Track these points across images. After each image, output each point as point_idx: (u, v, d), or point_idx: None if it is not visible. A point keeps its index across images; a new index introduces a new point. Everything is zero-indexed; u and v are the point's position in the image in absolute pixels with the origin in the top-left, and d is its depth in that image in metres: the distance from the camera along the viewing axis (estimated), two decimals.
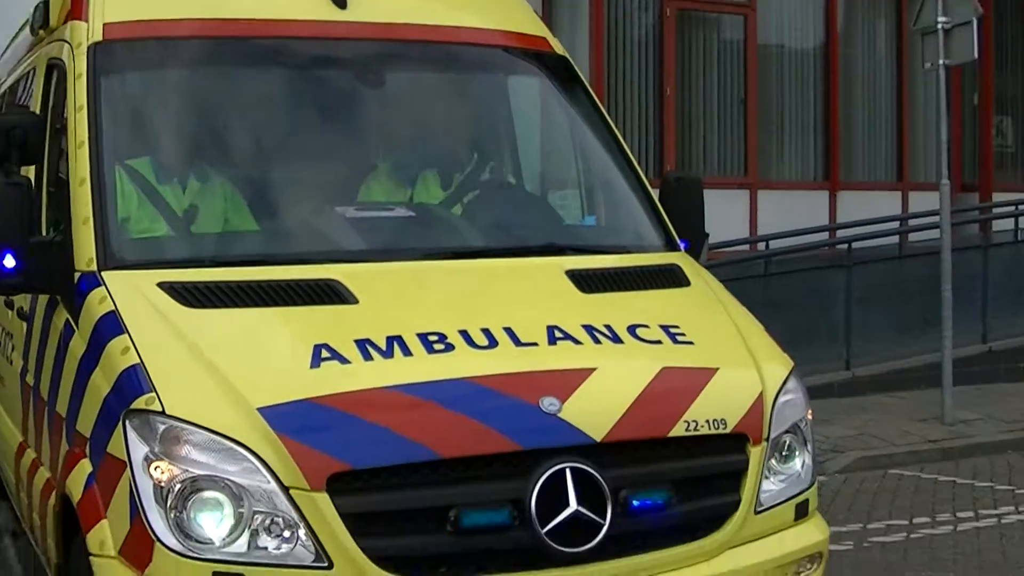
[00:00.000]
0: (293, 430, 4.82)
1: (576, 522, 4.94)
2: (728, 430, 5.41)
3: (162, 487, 4.80)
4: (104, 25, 6.26)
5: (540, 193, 7.54)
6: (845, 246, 16.31)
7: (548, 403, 5.08)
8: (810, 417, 5.87)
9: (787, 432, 5.67)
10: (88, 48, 6.19)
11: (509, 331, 5.38)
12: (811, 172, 19.09)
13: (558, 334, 5.45)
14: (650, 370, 5.47)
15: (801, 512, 5.72)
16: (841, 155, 19.14)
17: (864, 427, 13.43)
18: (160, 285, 5.40)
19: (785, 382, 5.74)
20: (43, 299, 6.21)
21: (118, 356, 5.15)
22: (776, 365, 5.81)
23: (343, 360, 5.12)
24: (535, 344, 5.38)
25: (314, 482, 4.75)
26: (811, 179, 19.02)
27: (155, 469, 4.82)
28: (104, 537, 4.98)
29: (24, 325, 6.74)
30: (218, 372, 5.03)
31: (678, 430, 5.29)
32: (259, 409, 4.86)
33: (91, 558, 5.02)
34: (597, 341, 5.49)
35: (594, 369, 5.33)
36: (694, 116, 18.05)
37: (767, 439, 5.53)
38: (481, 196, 6.93)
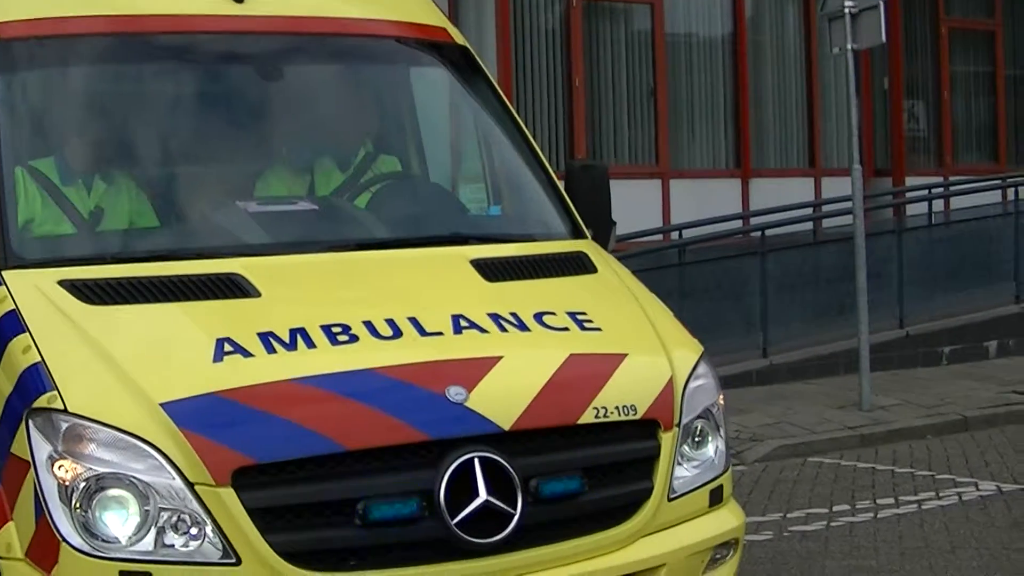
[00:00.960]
0: (197, 425, 4.77)
1: (487, 512, 4.90)
2: (638, 416, 5.36)
3: (66, 486, 4.72)
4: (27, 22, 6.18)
5: (444, 184, 7.46)
6: (759, 234, 16.24)
7: (455, 392, 5.04)
8: (722, 402, 5.83)
9: (699, 417, 5.64)
10: None
11: (414, 321, 5.34)
12: (723, 160, 19.03)
13: (463, 323, 5.41)
14: (557, 357, 5.42)
15: (716, 498, 5.67)
16: (752, 142, 19.09)
17: (782, 415, 13.35)
18: (61, 283, 5.31)
19: (695, 367, 5.71)
20: None
21: (19, 355, 5.06)
22: (685, 350, 5.78)
23: (246, 353, 5.04)
24: (440, 333, 5.34)
25: (219, 477, 4.70)
26: (723, 167, 18.96)
27: (59, 468, 4.74)
28: (11, 540, 4.87)
29: None
30: (121, 369, 4.96)
31: (588, 417, 5.25)
32: (162, 404, 4.81)
33: (1, 560, 4.91)
34: (503, 329, 5.44)
35: (500, 357, 5.29)
36: (604, 106, 17.94)
37: (678, 425, 5.49)
38: (384, 188, 6.75)
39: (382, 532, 4.87)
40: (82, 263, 5.55)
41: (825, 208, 18.32)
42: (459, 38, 7.10)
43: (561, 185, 6.67)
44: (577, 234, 6.45)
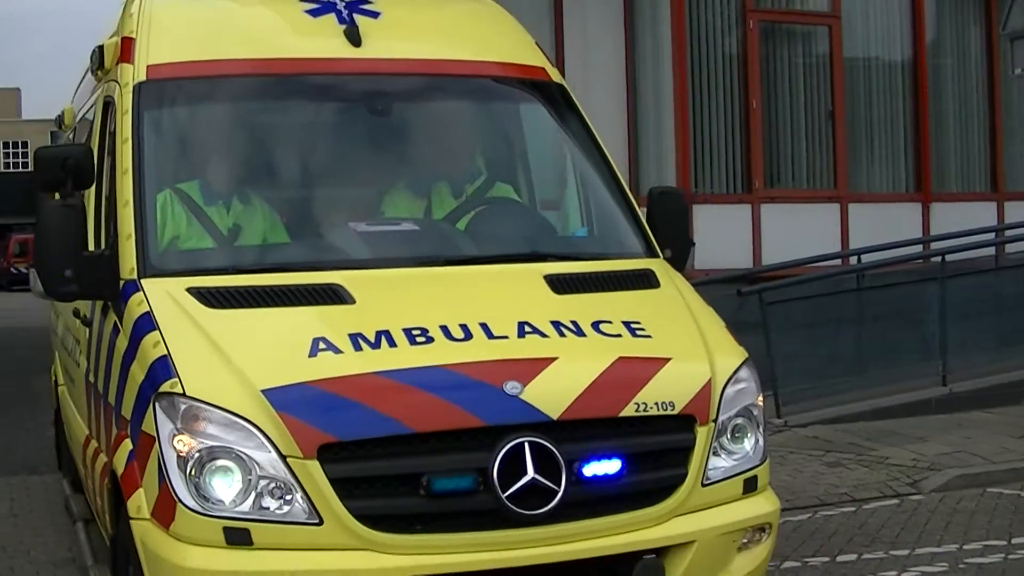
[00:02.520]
0: (290, 408, 5.74)
1: (533, 488, 5.76)
2: (676, 412, 6.21)
3: (183, 457, 5.75)
4: (147, 67, 7.29)
5: (539, 208, 8.20)
6: (939, 259, 15.97)
7: (511, 386, 5.91)
8: (760, 403, 6.64)
9: (738, 415, 6.46)
10: (133, 87, 7.21)
11: (484, 326, 6.24)
12: (902, 183, 18.71)
13: (527, 328, 6.29)
14: (607, 359, 6.27)
15: (750, 486, 6.49)
16: (933, 165, 18.76)
17: (962, 444, 13.06)
18: (188, 290, 6.39)
19: (737, 371, 6.54)
20: (99, 306, 7.29)
21: (150, 349, 6.15)
22: (728, 357, 6.61)
23: (336, 350, 6.02)
24: (505, 337, 6.21)
25: (307, 451, 5.66)
26: (903, 191, 18.63)
27: (177, 442, 5.77)
28: (140, 503, 5.99)
29: (87, 331, 7.85)
30: (231, 361, 5.97)
31: (629, 411, 6.10)
32: (263, 391, 5.79)
33: (131, 521, 6.05)
34: (562, 334, 6.32)
35: (556, 358, 6.15)
36: (781, 129, 17.80)
37: (715, 421, 6.32)
38: (482, 211, 7.55)
39: (443, 502, 5.75)
40: (208, 273, 6.62)
41: (1008, 233, 17.95)
42: (556, 76, 8.07)
43: (639, 209, 7.60)
44: (651, 253, 7.37)
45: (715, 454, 6.32)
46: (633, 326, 6.49)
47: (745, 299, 15.14)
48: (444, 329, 6.16)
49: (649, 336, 6.48)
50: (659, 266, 7.21)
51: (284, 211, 7.26)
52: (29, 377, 18.13)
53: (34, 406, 15.67)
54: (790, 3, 18.34)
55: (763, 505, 6.54)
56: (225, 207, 7.16)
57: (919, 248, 17.25)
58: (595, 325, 6.41)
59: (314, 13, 7.67)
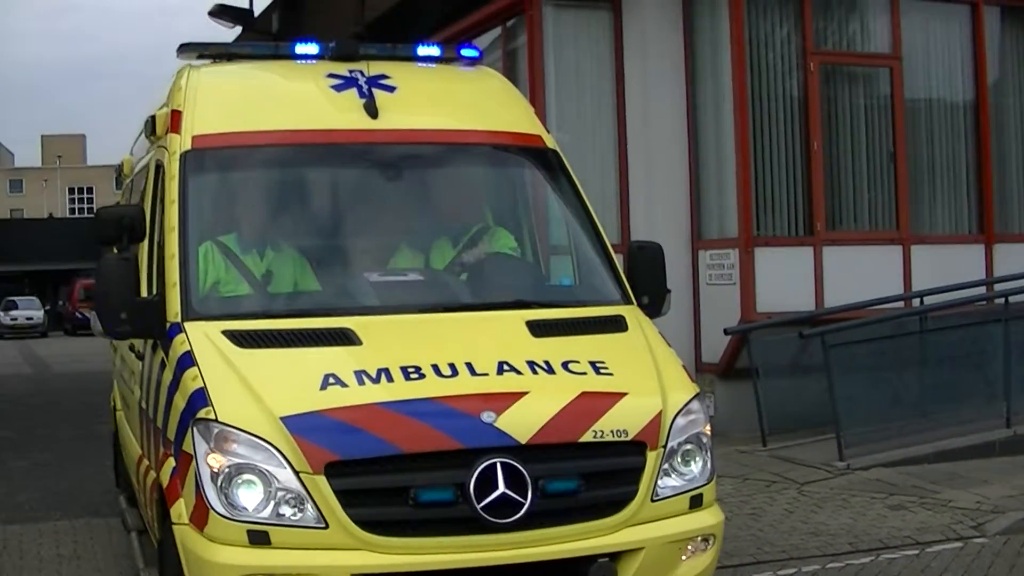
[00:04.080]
0: (303, 432, 6.86)
1: (504, 501, 6.83)
2: (629, 438, 7.26)
3: (215, 472, 6.89)
4: (193, 137, 8.47)
5: (531, 261, 9.34)
6: (1002, 300, 15.90)
7: (486, 415, 7.02)
8: (708, 431, 7.65)
9: (687, 442, 7.51)
10: (180, 156, 8.38)
11: (469, 365, 7.34)
12: (965, 225, 18.60)
13: (506, 367, 7.39)
14: (571, 393, 7.32)
15: (696, 502, 7.50)
16: (996, 207, 18.63)
17: None
18: (223, 332, 7.55)
19: (687, 404, 7.59)
20: (149, 343, 8.57)
21: (190, 382, 7.30)
22: (680, 392, 7.65)
23: (343, 384, 7.16)
24: (486, 374, 7.31)
25: (315, 468, 6.79)
26: (965, 232, 18.54)
27: (211, 459, 6.92)
28: (181, 511, 7.16)
29: (140, 364, 9.22)
30: (256, 392, 7.08)
31: (587, 437, 7.17)
32: (281, 418, 6.92)
33: (173, 526, 7.23)
34: (535, 372, 7.40)
35: (527, 392, 7.23)
36: (843, 171, 17.73)
37: (664, 446, 7.36)
38: (481, 263, 8.70)
39: (428, 511, 6.84)
40: (240, 318, 7.79)
41: None
42: (551, 143, 9.22)
43: (618, 261, 8.71)
44: (625, 300, 8.50)
45: (666, 474, 7.36)
46: (598, 365, 7.58)
47: (807, 342, 15.14)
48: (435, 367, 7.28)
49: (611, 374, 7.56)
50: (630, 312, 8.35)
51: (308, 263, 8.38)
52: (92, 421, 18.32)
53: (97, 450, 15.84)
54: (851, 45, 18.30)
55: (707, 519, 7.55)
56: (259, 256, 8.38)
57: (982, 290, 17.13)
58: (565, 364, 7.51)
59: (338, 88, 8.89)
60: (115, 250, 8.51)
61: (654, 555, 7.22)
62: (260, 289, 8.24)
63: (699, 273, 17.65)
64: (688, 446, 7.50)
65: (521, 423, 7.02)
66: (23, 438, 20.11)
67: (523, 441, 6.98)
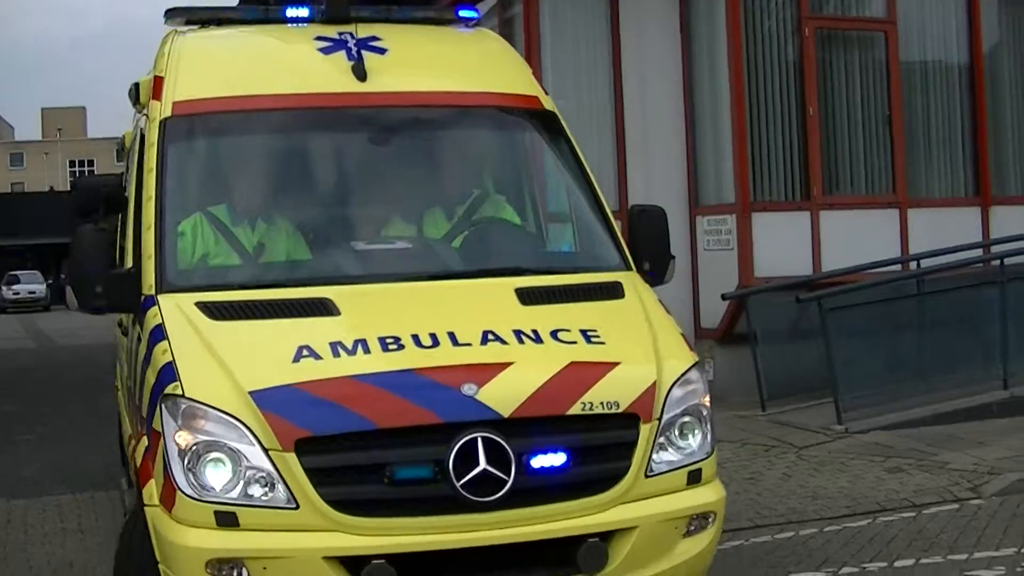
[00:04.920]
0: (272, 408, 6.49)
1: (485, 478, 6.45)
2: (620, 410, 6.85)
3: (183, 450, 6.53)
4: (173, 103, 8.12)
5: (530, 227, 8.84)
6: (998, 262, 15.96)
7: (467, 388, 6.62)
8: (707, 403, 7.24)
9: (684, 414, 7.09)
10: (159, 123, 8.05)
11: (451, 334, 6.96)
12: (961, 188, 18.65)
13: (491, 337, 6.98)
14: (559, 363, 6.91)
15: (694, 478, 7.09)
16: (992, 170, 18.67)
17: (1023, 448, 13.08)
18: (197, 304, 7.19)
19: (684, 375, 7.17)
20: (131, 318, 8.20)
21: (160, 356, 6.95)
22: (676, 361, 7.23)
23: (317, 357, 6.77)
24: (469, 344, 6.92)
25: (285, 445, 6.42)
26: (962, 195, 18.59)
27: (179, 437, 6.55)
28: (152, 491, 6.79)
29: (125, 340, 9.07)
30: (226, 366, 6.72)
31: (575, 409, 6.76)
32: (250, 392, 6.55)
33: (144, 508, 6.88)
34: (521, 342, 6.99)
35: (512, 363, 6.83)
36: (839, 136, 17.77)
37: (659, 419, 6.95)
38: (475, 230, 8.33)
39: (404, 489, 6.49)
40: (216, 289, 7.43)
41: None
42: (548, 104, 8.71)
43: (617, 226, 8.28)
44: (625, 267, 8.05)
45: (661, 448, 6.96)
46: (589, 334, 7.16)
47: (804, 306, 15.21)
48: (415, 337, 6.89)
49: (603, 343, 7.15)
50: (628, 278, 7.89)
51: (293, 232, 8.00)
52: (96, 395, 18.40)
53: (101, 424, 15.94)
54: (846, 10, 18.35)
55: (707, 495, 7.13)
56: (249, 227, 8.02)
57: (979, 252, 17.20)
58: (554, 333, 7.10)
59: (326, 51, 8.46)
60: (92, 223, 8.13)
61: (649, 534, 6.85)
62: (239, 260, 7.89)
63: (696, 239, 17.72)
64: (686, 418, 7.08)
65: (504, 395, 6.64)
66: (28, 412, 20.17)
67: (506, 415, 6.59)
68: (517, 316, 7.22)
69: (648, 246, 8.12)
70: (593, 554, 6.69)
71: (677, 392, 7.07)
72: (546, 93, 8.87)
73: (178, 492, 6.51)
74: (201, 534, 6.47)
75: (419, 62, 8.87)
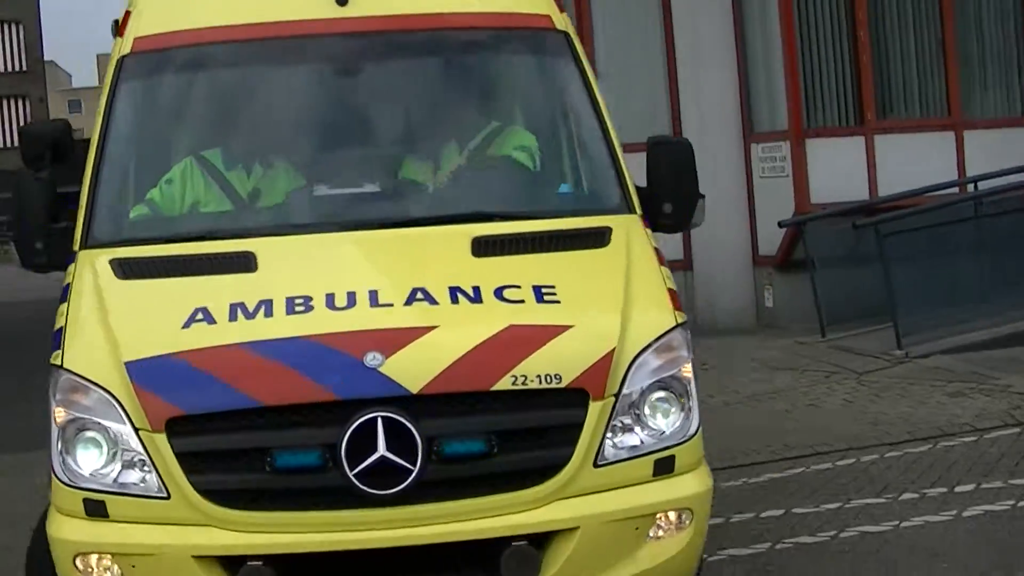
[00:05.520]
0: (146, 381, 5.59)
1: (385, 467, 5.42)
2: (563, 385, 5.65)
3: (59, 428, 5.72)
4: (134, 40, 7.21)
5: (529, 165, 7.36)
6: None
7: (371, 358, 5.54)
8: (688, 373, 5.99)
9: (656, 387, 5.87)
10: (116, 61, 7.19)
11: (373, 293, 5.93)
12: (1017, 107, 18.48)
13: (419, 296, 5.92)
14: (495, 327, 5.79)
15: (664, 468, 5.84)
16: None
17: None
18: (111, 261, 6.34)
19: (658, 340, 5.94)
20: None
21: (57, 319, 6.14)
22: (651, 323, 6.01)
23: (211, 321, 5.83)
24: (390, 305, 5.90)
25: (155, 425, 5.53)
26: (1017, 115, 18.41)
27: (57, 413, 5.73)
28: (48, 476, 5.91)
29: None
30: (112, 332, 5.86)
31: (503, 384, 5.60)
32: (125, 363, 5.66)
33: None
34: (455, 301, 5.90)
35: (435, 327, 5.77)
36: (892, 59, 17.64)
37: (616, 395, 5.74)
38: (460, 170, 7.16)
39: (289, 478, 5.53)
40: (141, 243, 6.61)
41: None
42: (562, 24, 7.45)
43: (623, 163, 7.03)
44: (626, 209, 6.81)
45: (622, 431, 5.75)
46: (544, 290, 6.01)
47: (861, 232, 15.17)
48: (330, 297, 5.88)
49: (557, 301, 5.98)
50: (623, 223, 6.65)
51: (248, 178, 7.10)
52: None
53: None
54: None
55: (680, 488, 5.88)
56: (193, 176, 7.05)
57: None
58: (498, 291, 5.96)
59: None
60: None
61: (596, 536, 5.67)
62: (173, 209, 6.95)
63: (752, 167, 17.67)
64: (658, 393, 5.86)
65: (415, 367, 5.54)
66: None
67: (414, 390, 5.50)
68: (462, 270, 6.15)
69: (667, 183, 6.86)
70: (520, 560, 5.58)
71: (648, 360, 5.86)
72: (562, 10, 7.65)
73: (54, 475, 5.76)
74: (72, 524, 5.71)
75: None
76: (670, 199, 6.84)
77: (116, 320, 5.94)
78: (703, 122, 16.99)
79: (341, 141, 7.23)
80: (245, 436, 5.54)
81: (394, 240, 6.55)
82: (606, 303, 6.07)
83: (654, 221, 6.84)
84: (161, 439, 5.51)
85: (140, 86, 7.24)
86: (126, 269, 6.27)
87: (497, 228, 6.52)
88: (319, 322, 5.77)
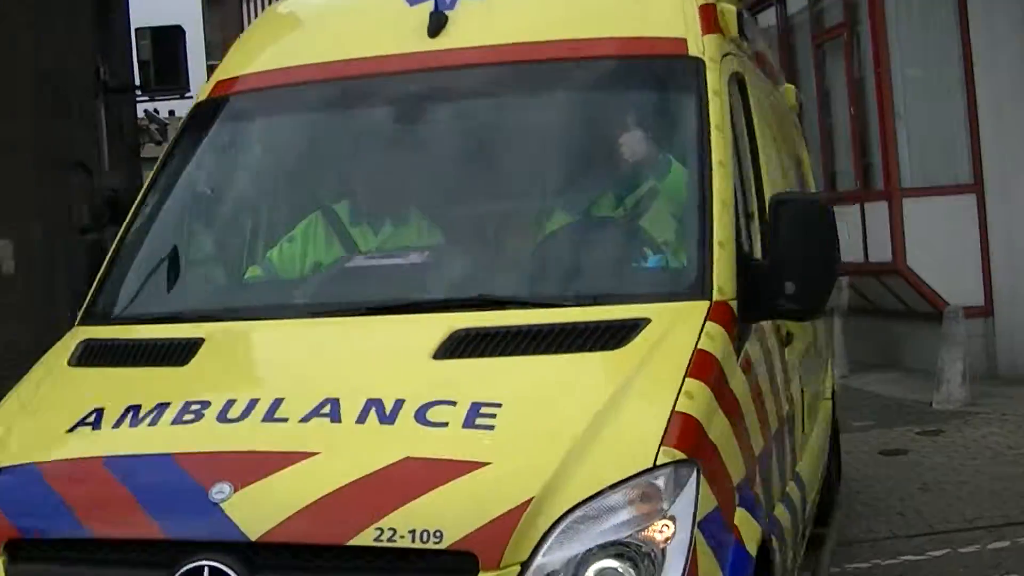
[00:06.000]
0: (3, 492, 4.89)
1: None
2: (443, 545, 4.29)
3: None
4: (216, 84, 6.66)
5: (620, 231, 6.03)
6: None
7: (217, 490, 4.51)
8: (659, 535, 4.36)
9: (593, 556, 4.31)
10: (191, 109, 6.76)
11: (276, 403, 4.87)
12: None
13: (325, 410, 4.79)
14: (384, 459, 4.53)
15: None
16: None
17: None
18: (81, 342, 5.75)
19: (619, 485, 4.40)
20: None
21: None
22: (613, 463, 4.46)
23: (96, 426, 5.05)
24: (285, 420, 4.79)
25: None
26: None
27: None
28: None
29: None
30: (12, 431, 5.27)
31: (364, 538, 4.34)
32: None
33: None
34: (361, 420, 4.71)
35: (314, 455, 4.61)
36: None
37: (523, 565, 4.27)
38: (507, 240, 6.04)
39: None
40: (113, 323, 5.96)
41: None
42: (698, 48, 6.05)
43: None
44: (700, 292, 5.27)
45: None
46: (482, 411, 4.65)
47: None
48: (227, 404, 4.89)
49: (489, 428, 4.59)
50: (671, 313, 5.16)
51: (262, 249, 6.38)
52: None
53: None
54: None
55: None
56: (208, 243, 6.50)
57: None
58: (423, 409, 4.69)
59: (414, 1, 6.41)
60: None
61: None
62: (167, 286, 6.26)
63: None
64: (606, 563, 4.31)
65: (262, 507, 4.46)
66: None
67: (252, 537, 4.41)
68: (396, 379, 4.99)
69: (788, 256, 5.34)
70: None
71: (595, 515, 4.37)
72: (721, 31, 6.30)
73: None
74: None
75: (531, 3, 6.69)
76: (794, 276, 5.32)
77: (26, 417, 5.36)
78: (1004, 165, 16.30)
79: (396, 199, 6.25)
80: (74, 569, 4.70)
81: (360, 330, 5.47)
82: (557, 432, 4.56)
83: (772, 306, 5.47)
84: (2, 561, 4.77)
85: (198, 138, 6.64)
86: (84, 353, 5.65)
87: (497, 318, 5.25)
88: (193, 437, 4.83)
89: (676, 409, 4.62)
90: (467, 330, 5.12)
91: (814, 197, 5.98)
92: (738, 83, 6.44)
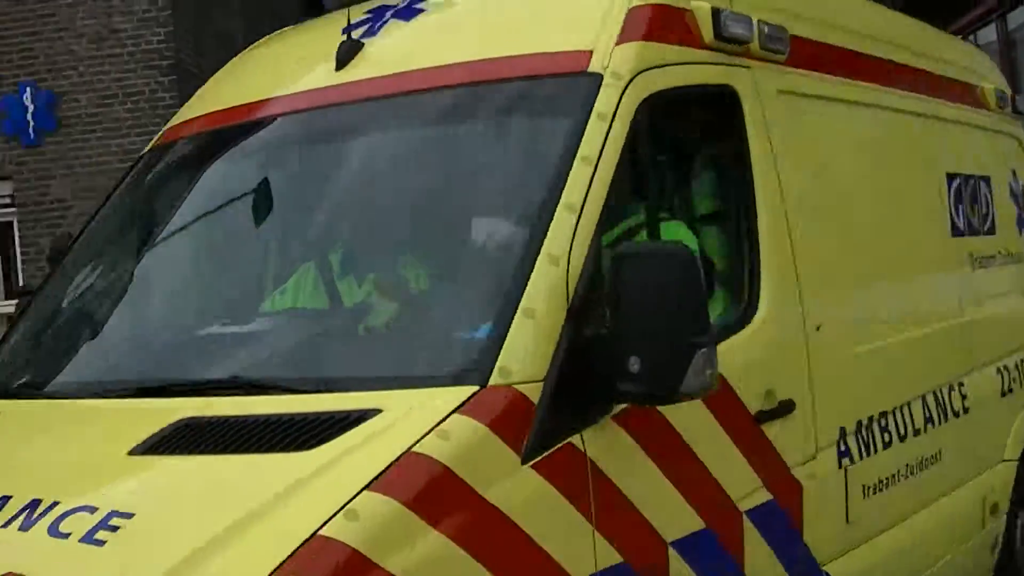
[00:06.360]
0: None
1: None
2: None
3: None
4: (166, 130, 6.23)
5: (411, 302, 5.05)
6: None
7: None
8: None
9: None
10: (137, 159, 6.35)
11: None
12: None
13: None
14: None
15: None
16: None
17: None
18: None
19: None
20: None
21: None
22: None
23: None
24: None
25: None
26: None
27: None
28: None
29: None
30: None
31: None
32: None
33: None
34: (6, 525, 4.02)
35: None
36: None
37: None
38: (332, 308, 5.28)
39: None
40: None
41: None
42: (603, 62, 4.87)
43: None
44: (477, 376, 4.16)
45: None
46: (110, 522, 3.82)
47: None
48: None
49: (101, 543, 3.77)
50: (411, 404, 4.09)
51: (128, 311, 5.72)
52: None
53: None
54: None
55: None
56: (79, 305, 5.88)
57: None
58: (65, 515, 3.93)
59: (348, 29, 5.55)
60: None
61: None
62: (29, 351, 5.73)
63: None
64: None
65: None
66: None
67: None
68: (81, 475, 4.32)
69: (635, 325, 4.17)
70: None
71: None
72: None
73: None
74: None
75: (459, 18, 5.70)
76: (641, 350, 4.15)
77: None
78: None
79: (270, 254, 5.64)
80: None
81: (90, 415, 4.82)
82: (155, 563, 3.64)
83: (613, 389, 4.25)
84: None
85: (122, 191, 6.18)
86: None
87: (227, 406, 4.40)
88: None
89: (320, 533, 3.60)
90: (189, 420, 4.34)
91: (673, 249, 4.31)
92: (705, 99, 5.37)
